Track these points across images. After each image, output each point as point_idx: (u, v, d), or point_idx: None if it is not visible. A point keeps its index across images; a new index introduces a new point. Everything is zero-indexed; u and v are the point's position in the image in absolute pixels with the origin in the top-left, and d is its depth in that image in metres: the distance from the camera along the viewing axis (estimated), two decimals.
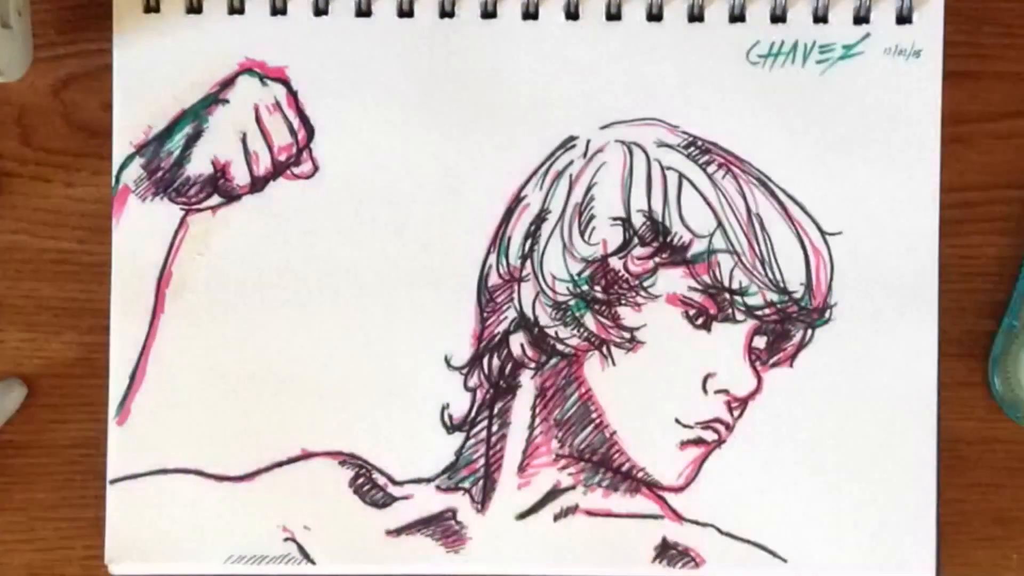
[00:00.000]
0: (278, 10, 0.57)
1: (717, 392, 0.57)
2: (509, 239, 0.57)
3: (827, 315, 0.57)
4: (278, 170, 0.57)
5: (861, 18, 0.57)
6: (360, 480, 0.57)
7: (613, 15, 0.57)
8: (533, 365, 0.57)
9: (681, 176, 0.57)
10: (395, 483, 0.57)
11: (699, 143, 0.57)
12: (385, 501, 0.57)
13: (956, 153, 0.58)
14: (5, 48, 0.54)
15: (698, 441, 0.57)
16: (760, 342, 0.57)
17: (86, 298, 0.57)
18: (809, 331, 0.57)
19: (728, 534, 0.57)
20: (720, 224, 0.57)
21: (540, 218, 0.57)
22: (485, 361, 0.57)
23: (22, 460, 0.58)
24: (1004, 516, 0.58)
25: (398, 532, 0.57)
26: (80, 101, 0.58)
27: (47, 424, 0.58)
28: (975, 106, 0.58)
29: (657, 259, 0.57)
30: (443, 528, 0.57)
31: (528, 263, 0.57)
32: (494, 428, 0.57)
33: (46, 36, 0.58)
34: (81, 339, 0.58)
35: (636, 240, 0.57)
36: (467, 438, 0.57)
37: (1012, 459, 0.58)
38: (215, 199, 0.57)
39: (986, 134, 0.58)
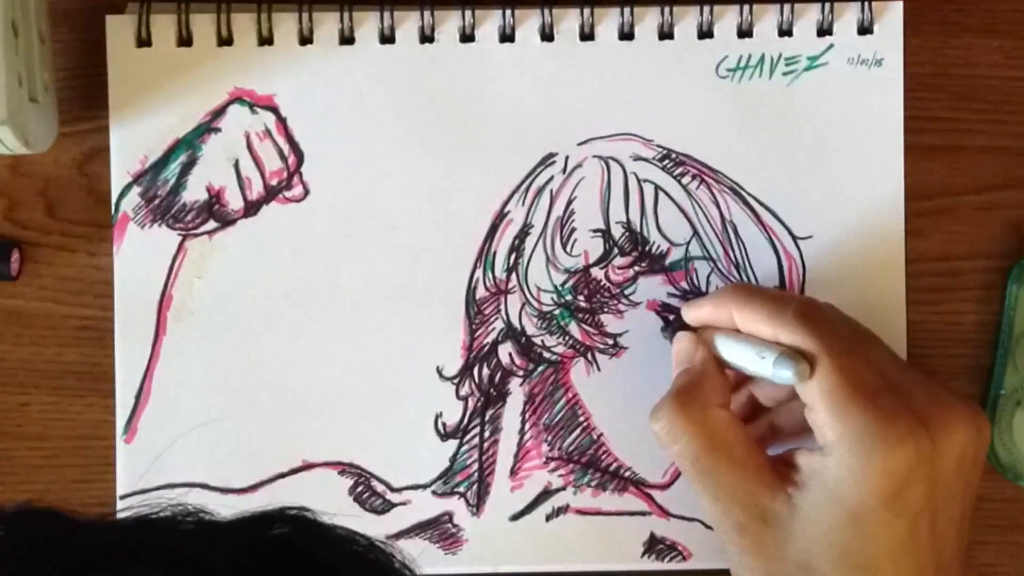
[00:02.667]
0: (265, 40, 0.58)
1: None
2: (494, 253, 0.58)
3: None
4: (270, 194, 0.58)
5: (824, 30, 0.58)
6: (359, 488, 0.58)
7: (587, 35, 0.58)
8: (521, 373, 0.58)
9: (657, 188, 0.58)
10: (393, 490, 0.58)
11: (673, 156, 0.58)
12: (384, 507, 0.58)
13: (941, 224, 0.59)
14: (32, 122, 0.55)
15: None
16: None
17: (108, 363, 0.58)
18: None
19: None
20: (696, 232, 0.58)
21: (523, 232, 0.58)
22: (475, 371, 0.58)
23: None
24: (986, 572, 0.59)
25: (397, 536, 0.58)
26: (103, 174, 0.58)
27: (71, 484, 0.59)
28: (959, 179, 0.59)
29: (637, 268, 0.58)
30: (440, 531, 0.58)
31: (513, 276, 0.58)
32: (486, 434, 0.58)
33: (71, 111, 0.59)
34: (104, 402, 0.59)
35: (616, 250, 0.58)
36: (460, 445, 0.58)
37: (996, 516, 0.59)
38: (211, 224, 0.58)
39: (970, 206, 0.59)
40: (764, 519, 0.50)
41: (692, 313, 0.55)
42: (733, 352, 0.53)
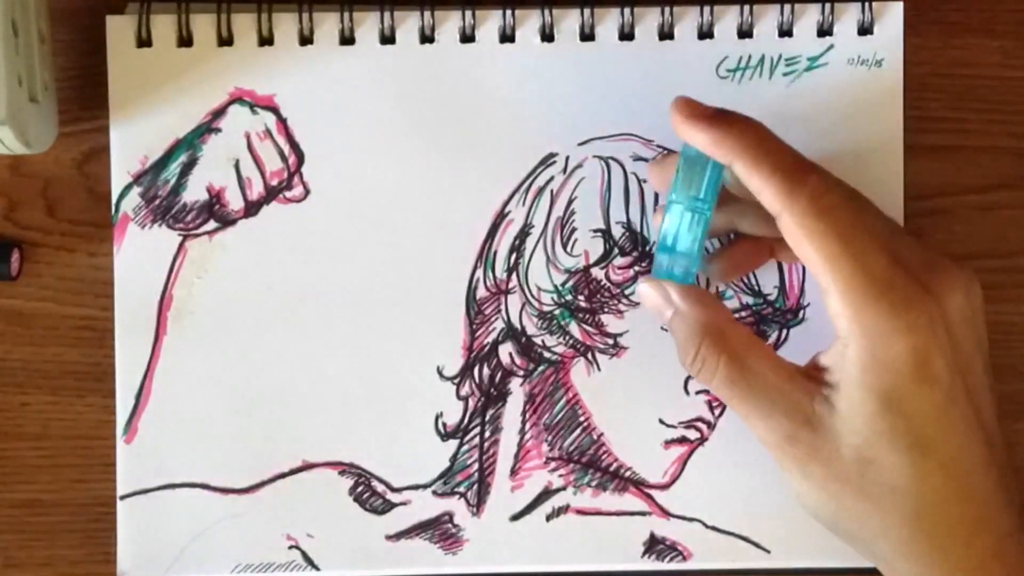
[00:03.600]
0: (265, 40, 0.58)
1: (698, 392, 0.58)
2: (495, 253, 0.58)
3: (800, 315, 0.58)
4: (271, 194, 0.58)
5: (824, 31, 0.58)
6: (360, 488, 0.58)
7: (587, 36, 0.58)
8: (522, 373, 0.58)
9: None
10: (393, 490, 0.58)
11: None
12: (384, 507, 0.58)
13: (941, 224, 0.59)
14: (32, 122, 0.55)
15: (682, 440, 0.58)
16: None
17: (108, 363, 0.58)
18: (784, 331, 0.58)
19: (713, 527, 0.58)
20: None
21: (524, 232, 0.58)
22: (476, 371, 0.58)
23: (47, 518, 0.60)
24: None
25: (398, 536, 0.58)
26: (103, 174, 0.58)
27: (71, 484, 0.59)
28: (959, 179, 0.59)
29: (637, 268, 0.58)
30: (441, 531, 0.58)
31: (514, 276, 0.58)
32: (486, 434, 0.58)
33: (71, 111, 0.59)
34: (104, 402, 0.59)
35: (616, 250, 0.58)
36: (461, 444, 0.58)
37: None
38: (211, 224, 0.58)
39: (970, 206, 0.60)
40: (810, 423, 0.50)
41: (687, 132, 0.51)
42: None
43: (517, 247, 0.58)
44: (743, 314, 0.58)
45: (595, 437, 0.58)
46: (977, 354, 0.51)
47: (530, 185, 0.58)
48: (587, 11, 0.58)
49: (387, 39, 0.58)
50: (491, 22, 0.58)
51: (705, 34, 0.58)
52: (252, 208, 0.58)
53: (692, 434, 0.58)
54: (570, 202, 0.58)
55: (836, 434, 0.50)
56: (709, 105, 0.51)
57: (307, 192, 0.58)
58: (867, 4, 0.58)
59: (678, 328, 0.52)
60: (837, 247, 0.49)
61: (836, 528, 0.52)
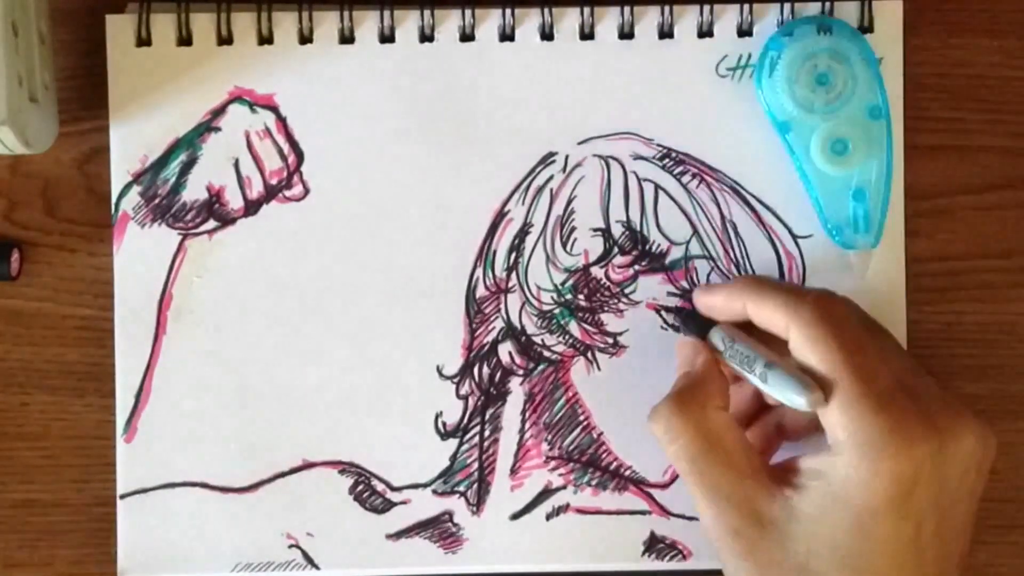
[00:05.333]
0: (265, 40, 0.58)
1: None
2: (494, 252, 0.58)
3: None
4: (270, 194, 0.58)
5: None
6: (360, 487, 0.58)
7: (587, 35, 0.58)
8: (521, 372, 0.58)
9: (657, 187, 0.58)
10: (393, 489, 0.58)
11: (673, 154, 0.58)
12: (384, 506, 0.58)
13: (941, 224, 0.59)
14: (32, 121, 0.55)
15: None
16: None
17: (108, 363, 0.58)
18: None
19: None
20: (696, 231, 0.58)
21: (523, 231, 0.58)
22: (476, 370, 0.58)
23: (47, 518, 0.60)
24: (986, 572, 0.60)
25: (398, 536, 0.58)
26: (103, 174, 0.59)
27: (71, 484, 0.59)
28: (960, 179, 0.59)
29: (637, 267, 0.58)
30: (441, 530, 0.58)
31: (513, 275, 0.58)
32: (486, 433, 0.58)
33: (71, 111, 0.59)
34: (103, 402, 0.59)
35: (616, 249, 0.58)
36: (461, 444, 0.58)
37: (995, 516, 0.59)
38: (211, 223, 0.58)
39: (970, 206, 0.60)
40: (760, 523, 0.50)
41: (704, 300, 0.55)
42: (739, 363, 0.52)
43: (517, 246, 0.58)
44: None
45: (595, 436, 0.58)
46: (964, 504, 0.50)
47: (530, 184, 0.58)
48: (587, 10, 0.58)
49: (387, 38, 0.58)
50: (491, 21, 0.58)
51: (705, 33, 0.58)
52: (252, 207, 0.58)
53: None
54: (570, 201, 0.58)
55: (784, 538, 0.49)
56: None
57: (307, 191, 0.58)
58: (866, 3, 0.58)
59: (675, 383, 0.54)
60: (840, 355, 0.49)
61: None
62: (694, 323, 0.56)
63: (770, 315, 0.51)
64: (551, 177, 0.58)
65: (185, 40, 0.58)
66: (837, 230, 0.57)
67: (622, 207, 0.58)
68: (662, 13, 0.58)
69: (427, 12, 0.58)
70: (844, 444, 0.48)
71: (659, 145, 0.58)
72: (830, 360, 0.49)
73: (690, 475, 0.51)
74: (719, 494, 0.51)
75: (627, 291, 0.58)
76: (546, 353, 0.58)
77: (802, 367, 0.50)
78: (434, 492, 0.58)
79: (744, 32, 0.58)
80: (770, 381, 0.50)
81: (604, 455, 0.58)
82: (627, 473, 0.58)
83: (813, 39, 0.57)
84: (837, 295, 0.52)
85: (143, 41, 0.58)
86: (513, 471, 0.58)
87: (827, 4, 0.58)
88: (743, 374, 0.52)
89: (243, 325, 0.58)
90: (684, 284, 0.58)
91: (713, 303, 0.55)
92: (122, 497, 0.58)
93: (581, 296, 0.58)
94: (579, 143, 0.58)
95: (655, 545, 0.58)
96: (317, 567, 0.58)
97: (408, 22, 0.58)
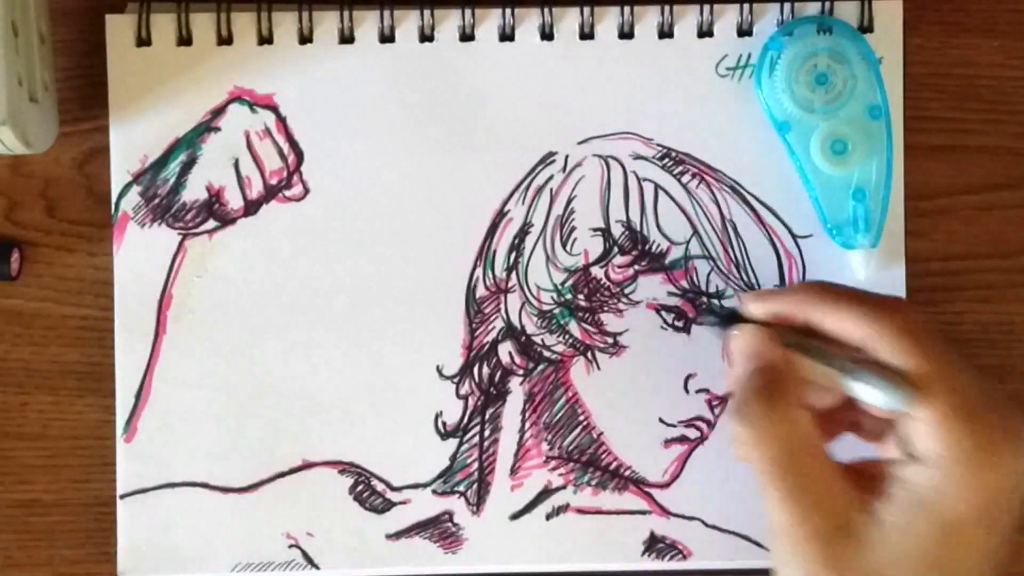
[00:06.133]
0: (265, 40, 0.58)
1: (698, 391, 0.58)
2: (494, 252, 0.58)
3: None
4: (270, 194, 0.58)
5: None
6: (359, 487, 0.58)
7: (586, 34, 0.58)
8: (521, 372, 0.58)
9: (657, 187, 0.58)
10: (393, 489, 0.58)
11: (673, 154, 0.58)
12: (384, 506, 0.58)
13: (941, 224, 0.59)
14: (32, 121, 0.55)
15: (681, 439, 0.58)
16: None
17: (108, 363, 0.58)
18: None
19: (713, 526, 0.58)
20: (696, 231, 0.58)
21: (523, 231, 0.58)
22: (476, 370, 0.58)
23: (47, 518, 0.60)
24: None
25: (398, 535, 0.58)
26: (103, 174, 0.59)
27: (71, 484, 0.59)
28: (960, 179, 0.60)
29: (636, 267, 0.58)
30: (441, 530, 0.58)
31: (513, 275, 0.58)
32: (486, 433, 0.58)
33: (71, 111, 0.59)
34: (103, 402, 0.59)
35: (616, 249, 0.58)
36: (461, 444, 0.58)
37: None
38: (211, 223, 0.58)
39: (970, 206, 0.60)
40: (845, 528, 0.48)
41: (761, 306, 0.52)
42: (821, 366, 0.50)
43: (517, 246, 0.58)
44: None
45: (595, 436, 0.58)
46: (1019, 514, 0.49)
47: (530, 184, 0.58)
48: (587, 10, 0.58)
49: (386, 38, 0.58)
50: (491, 21, 0.58)
51: (705, 33, 0.58)
52: (252, 207, 0.58)
53: (692, 433, 0.58)
54: (570, 201, 0.58)
55: (865, 546, 0.48)
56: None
57: (306, 191, 0.58)
58: (866, 3, 0.58)
59: (749, 380, 0.51)
60: (935, 366, 0.48)
61: None
62: (718, 318, 0.54)
63: (851, 325, 0.49)
64: (551, 177, 0.58)
65: (185, 40, 0.58)
66: (837, 230, 0.57)
67: (622, 207, 0.58)
68: (662, 13, 0.58)
69: (427, 12, 0.58)
70: (938, 456, 0.47)
71: (659, 145, 0.58)
72: (925, 371, 0.48)
73: (776, 479, 0.49)
74: (806, 498, 0.48)
75: (627, 291, 0.58)
76: (546, 353, 0.58)
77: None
78: (434, 492, 0.58)
79: (744, 32, 0.58)
80: (859, 377, 0.49)
81: (604, 455, 0.58)
82: (627, 473, 0.58)
83: (813, 39, 0.57)
84: (912, 304, 0.50)
85: (143, 41, 0.58)
86: (513, 471, 0.58)
87: (827, 4, 0.58)
88: (826, 370, 0.50)
89: (243, 325, 0.58)
90: (684, 284, 0.58)
91: (773, 308, 0.52)
92: (122, 497, 0.58)
93: (581, 296, 0.58)
94: (579, 143, 0.58)
95: (655, 545, 0.58)
96: (317, 567, 0.58)
97: (408, 22, 0.58)
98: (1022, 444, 0.48)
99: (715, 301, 0.58)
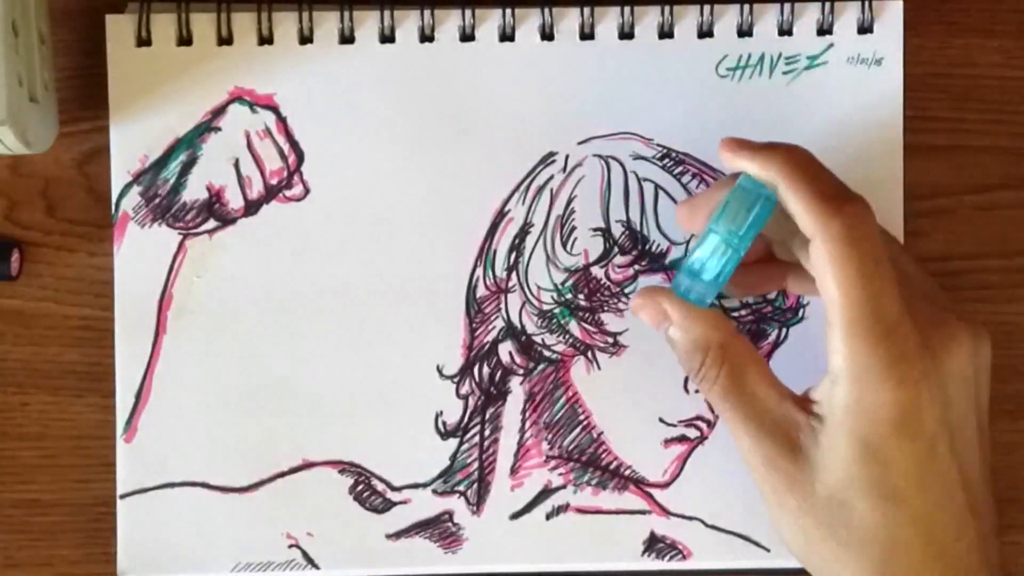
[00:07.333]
0: (265, 40, 0.58)
1: (698, 391, 0.57)
2: (495, 252, 0.58)
3: (800, 314, 0.59)
4: (270, 194, 0.58)
5: (824, 30, 0.58)
6: (360, 487, 0.58)
7: (587, 35, 0.58)
8: (522, 371, 0.58)
9: (657, 187, 0.58)
10: (393, 489, 0.58)
11: (673, 154, 0.58)
12: (384, 506, 0.58)
13: (941, 224, 0.59)
14: (32, 121, 0.55)
15: (681, 438, 0.58)
16: None
17: (108, 363, 0.58)
18: (783, 330, 0.58)
19: (713, 526, 0.58)
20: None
21: (524, 231, 0.58)
22: (476, 369, 0.58)
23: (47, 518, 0.60)
24: None
25: (398, 535, 0.58)
26: (103, 174, 0.59)
27: (71, 484, 0.59)
28: (960, 179, 0.60)
29: (637, 266, 0.58)
30: (441, 530, 0.58)
31: (514, 275, 0.58)
32: (486, 433, 0.58)
33: (71, 111, 0.59)
34: (103, 402, 0.59)
35: (616, 249, 0.58)
36: (461, 443, 0.58)
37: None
38: (211, 223, 0.58)
39: (971, 206, 0.60)
40: (793, 452, 0.50)
41: (735, 161, 0.51)
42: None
43: (517, 246, 0.58)
44: (743, 312, 0.58)
45: (595, 436, 0.58)
46: (971, 414, 0.50)
47: (530, 184, 0.58)
48: (587, 10, 0.58)
49: (387, 38, 0.58)
50: (491, 21, 0.58)
51: (705, 33, 0.58)
52: (252, 207, 0.58)
53: (692, 433, 0.58)
54: (570, 201, 0.58)
55: (814, 469, 0.50)
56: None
57: (307, 191, 0.58)
58: (867, 3, 0.58)
59: (680, 340, 0.52)
60: (856, 280, 0.48)
61: (805, 562, 0.51)
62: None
63: (801, 214, 0.49)
64: (551, 177, 0.58)
65: (185, 40, 0.58)
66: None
67: (622, 207, 0.58)
68: (662, 13, 0.58)
69: (427, 12, 0.58)
70: (843, 375, 0.48)
71: (659, 145, 0.58)
72: (845, 284, 0.48)
73: (727, 411, 0.51)
74: (754, 423, 0.50)
75: (627, 291, 0.58)
76: (546, 353, 0.58)
77: (814, 274, 0.49)
78: (434, 492, 0.58)
79: (744, 32, 0.58)
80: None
81: (604, 455, 0.58)
82: (627, 473, 0.58)
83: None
84: (868, 213, 0.50)
85: (143, 41, 0.58)
86: (513, 471, 0.58)
87: (827, 4, 0.58)
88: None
89: (243, 325, 0.58)
90: None
91: (742, 165, 0.51)
92: (122, 497, 0.58)
93: (581, 296, 0.58)
94: (579, 143, 0.58)
95: (655, 545, 0.58)
96: (317, 567, 0.58)
97: (408, 22, 0.58)
98: (927, 354, 0.49)
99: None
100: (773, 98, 0.58)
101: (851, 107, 0.58)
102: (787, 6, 0.58)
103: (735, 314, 0.58)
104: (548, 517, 0.58)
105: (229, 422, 0.58)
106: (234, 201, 0.58)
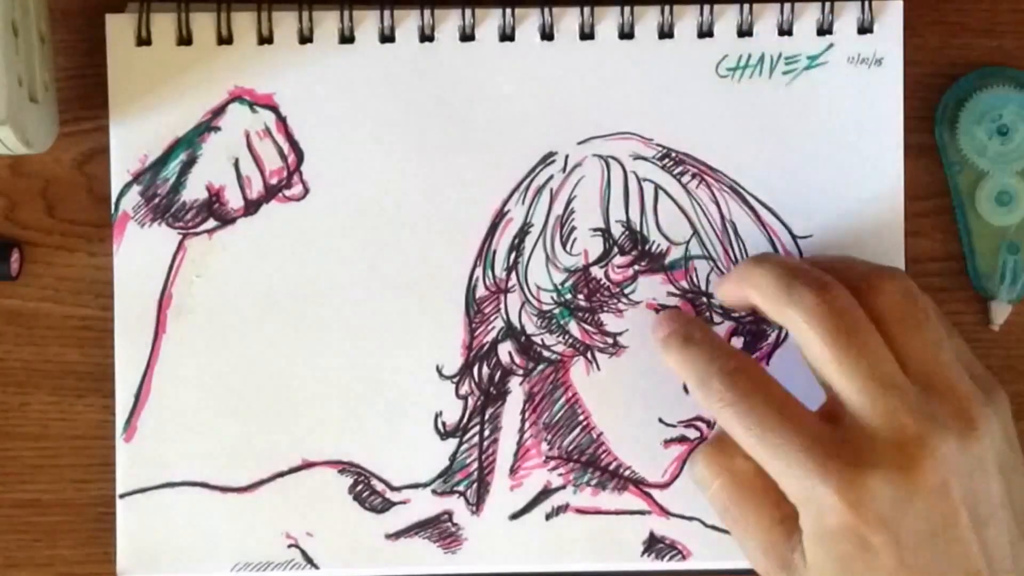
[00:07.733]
0: (265, 39, 0.58)
1: None
2: (494, 252, 0.58)
3: None
4: (270, 193, 0.58)
5: (824, 30, 0.58)
6: (359, 487, 0.58)
7: (587, 35, 0.58)
8: (521, 372, 0.58)
9: (657, 187, 0.58)
10: (393, 489, 0.58)
11: (673, 154, 0.58)
12: (384, 506, 0.58)
13: (941, 224, 0.59)
14: (32, 121, 0.55)
15: (681, 439, 0.58)
16: (737, 342, 0.58)
17: (108, 363, 0.58)
18: (783, 330, 0.58)
19: (713, 527, 0.58)
20: (695, 231, 0.58)
21: (523, 231, 0.58)
22: (475, 370, 0.58)
23: (47, 518, 0.60)
24: None
25: (397, 535, 0.58)
26: (103, 174, 0.58)
27: (71, 484, 0.59)
28: None
29: (636, 267, 0.58)
30: (440, 530, 0.58)
31: (513, 275, 0.58)
32: (486, 433, 0.58)
33: (71, 111, 0.59)
34: (104, 402, 0.59)
35: (616, 249, 0.58)
36: (460, 443, 0.58)
37: None
38: (211, 223, 0.58)
39: None
40: (787, 568, 0.52)
41: (718, 292, 0.56)
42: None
43: (516, 246, 0.58)
44: (743, 313, 0.58)
45: (594, 436, 0.58)
46: (960, 507, 0.49)
47: (529, 184, 0.58)
48: (587, 10, 0.58)
49: (387, 38, 0.58)
50: (491, 21, 0.58)
51: (705, 33, 0.58)
52: (252, 207, 0.58)
53: (692, 433, 0.58)
54: (570, 201, 0.58)
55: None
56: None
57: (306, 191, 0.58)
58: (867, 3, 0.58)
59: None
60: (831, 366, 0.51)
61: None
62: None
63: (767, 309, 0.52)
64: (551, 177, 0.58)
65: (185, 40, 0.58)
66: (984, 279, 0.58)
67: (622, 207, 0.58)
68: (662, 13, 0.58)
69: (427, 12, 0.58)
70: (799, 503, 0.50)
71: (659, 145, 0.58)
72: (822, 368, 0.51)
73: (725, 520, 0.54)
74: (750, 539, 0.53)
75: (627, 291, 0.58)
76: (546, 353, 0.58)
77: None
78: (433, 492, 0.58)
79: (744, 32, 0.58)
80: None
81: (603, 455, 0.58)
82: (627, 473, 0.58)
83: (1006, 89, 0.58)
84: (833, 284, 0.51)
85: (143, 41, 0.58)
86: (513, 471, 0.58)
87: (827, 4, 0.58)
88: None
89: (243, 324, 0.58)
90: (684, 284, 0.58)
91: (727, 293, 0.55)
92: (122, 497, 0.58)
93: (581, 296, 0.58)
94: (579, 143, 0.58)
95: (655, 545, 0.58)
96: (316, 567, 0.58)
97: (408, 22, 0.58)
98: (887, 474, 0.48)
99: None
100: (773, 98, 0.58)
101: (851, 107, 0.58)
102: (787, 6, 0.58)
103: (735, 315, 0.58)
104: (548, 517, 0.58)
105: (229, 421, 0.58)
106: (234, 201, 0.58)
